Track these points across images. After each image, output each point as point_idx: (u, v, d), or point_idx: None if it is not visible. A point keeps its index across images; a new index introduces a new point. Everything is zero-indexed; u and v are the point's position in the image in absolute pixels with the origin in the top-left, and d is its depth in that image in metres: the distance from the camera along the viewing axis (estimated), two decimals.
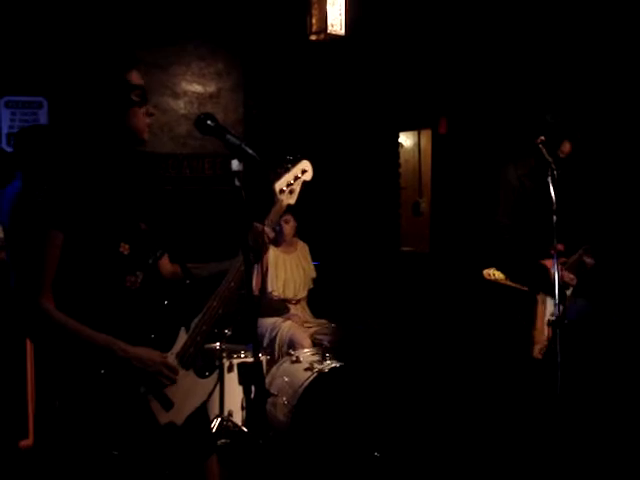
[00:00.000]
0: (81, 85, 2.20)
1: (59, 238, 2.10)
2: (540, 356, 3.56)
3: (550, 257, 3.61)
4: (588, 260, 3.74)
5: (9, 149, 5.29)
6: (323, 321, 5.14)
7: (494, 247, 3.71)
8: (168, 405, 2.26)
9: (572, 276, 3.71)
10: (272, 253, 5.10)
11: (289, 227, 5.17)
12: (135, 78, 2.24)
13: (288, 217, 5.13)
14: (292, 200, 2.58)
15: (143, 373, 2.17)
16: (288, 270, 5.17)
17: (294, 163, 2.61)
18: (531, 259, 3.67)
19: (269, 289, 5.03)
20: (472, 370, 4.66)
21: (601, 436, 3.84)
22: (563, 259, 3.64)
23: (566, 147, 3.63)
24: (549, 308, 3.62)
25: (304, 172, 2.62)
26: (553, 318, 3.58)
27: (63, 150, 2.22)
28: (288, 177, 2.57)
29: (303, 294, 5.27)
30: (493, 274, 3.76)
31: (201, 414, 2.43)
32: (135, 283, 2.25)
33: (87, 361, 2.12)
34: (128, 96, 2.21)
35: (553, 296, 3.59)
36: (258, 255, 2.45)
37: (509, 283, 3.75)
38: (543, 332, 3.59)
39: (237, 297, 2.44)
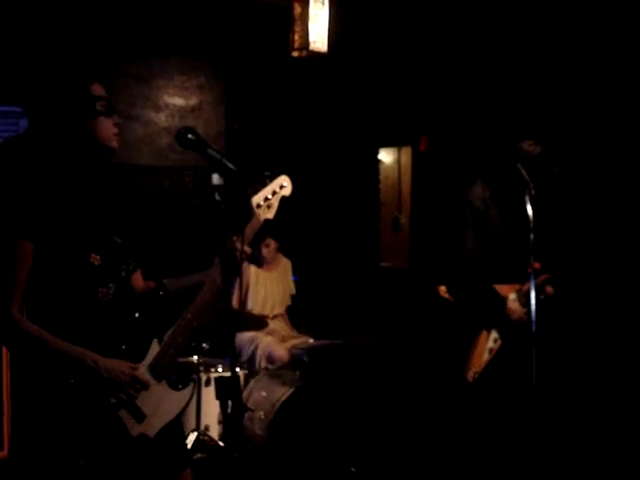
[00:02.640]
0: (48, 96, 2.22)
1: (29, 248, 2.12)
2: (471, 380, 3.51)
3: (508, 282, 3.63)
4: (548, 289, 3.62)
5: None
6: (302, 336, 5.15)
7: (455, 272, 3.65)
8: (140, 417, 2.25)
9: (523, 311, 3.51)
10: (253, 271, 5.14)
11: (268, 250, 5.21)
12: (98, 90, 2.27)
13: (269, 241, 5.17)
14: (270, 215, 2.58)
15: (113, 384, 2.17)
16: (268, 288, 5.19)
17: (272, 178, 2.60)
18: (487, 287, 3.57)
19: (249, 307, 5.05)
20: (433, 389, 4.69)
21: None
22: (518, 286, 3.57)
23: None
24: (493, 334, 3.61)
25: (282, 187, 2.62)
26: (495, 345, 3.60)
27: (34, 160, 2.24)
28: (266, 192, 2.57)
29: (281, 310, 5.28)
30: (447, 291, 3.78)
31: (175, 427, 2.42)
32: (107, 295, 2.26)
33: (58, 371, 2.13)
34: (92, 107, 2.23)
35: (499, 328, 3.62)
36: (235, 269, 2.45)
37: None
38: (481, 357, 3.53)
39: (213, 310, 2.44)
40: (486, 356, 3.55)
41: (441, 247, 3.77)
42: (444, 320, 3.82)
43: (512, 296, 3.57)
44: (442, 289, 3.80)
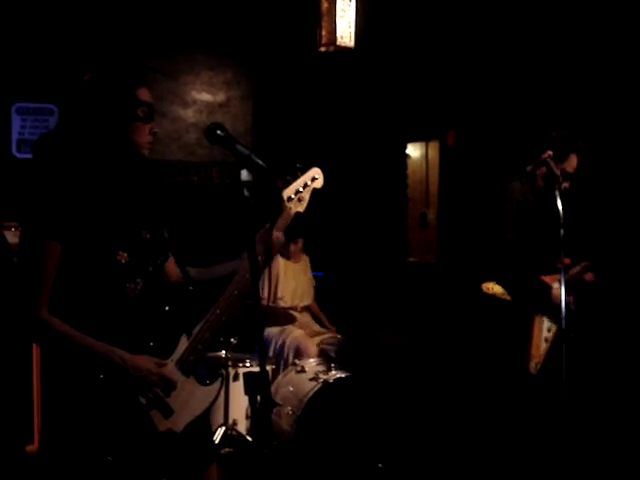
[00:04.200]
0: (90, 94, 2.21)
1: (56, 248, 2.10)
2: (535, 372, 3.54)
3: (551, 273, 3.62)
4: (588, 277, 3.70)
5: (20, 156, 5.32)
6: (330, 331, 5.17)
7: (497, 263, 3.67)
8: (167, 412, 2.24)
9: (571, 299, 3.54)
10: (282, 263, 5.20)
11: (296, 248, 5.35)
12: (143, 95, 2.25)
13: (298, 239, 5.31)
14: (301, 208, 2.49)
15: (140, 382, 2.17)
16: (297, 278, 5.29)
17: (304, 170, 2.51)
18: (532, 276, 3.62)
19: (280, 296, 5.12)
20: (472, 383, 4.67)
21: (603, 449, 3.84)
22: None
23: (573, 161, 3.64)
24: (546, 324, 3.61)
25: (314, 180, 2.53)
26: (550, 334, 3.60)
27: (63, 159, 2.22)
28: (297, 184, 2.48)
29: (309, 301, 5.34)
30: (492, 288, 3.77)
31: (202, 422, 2.41)
32: (135, 290, 2.25)
33: (86, 367, 2.13)
34: (134, 111, 2.22)
35: (550, 315, 3.61)
36: (267, 260, 2.40)
37: (507, 297, 3.75)
38: (539, 347, 3.57)
39: (241, 305, 2.41)
40: (544, 346, 3.59)
41: (483, 242, 3.80)
42: (491, 317, 3.81)
43: (557, 284, 3.58)
44: (484, 286, 3.81)
